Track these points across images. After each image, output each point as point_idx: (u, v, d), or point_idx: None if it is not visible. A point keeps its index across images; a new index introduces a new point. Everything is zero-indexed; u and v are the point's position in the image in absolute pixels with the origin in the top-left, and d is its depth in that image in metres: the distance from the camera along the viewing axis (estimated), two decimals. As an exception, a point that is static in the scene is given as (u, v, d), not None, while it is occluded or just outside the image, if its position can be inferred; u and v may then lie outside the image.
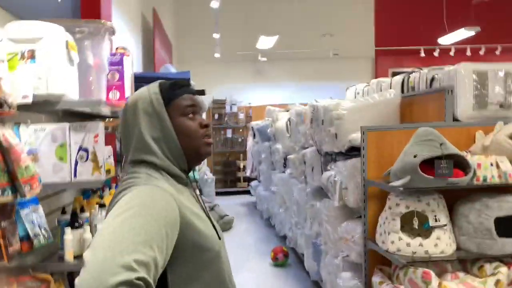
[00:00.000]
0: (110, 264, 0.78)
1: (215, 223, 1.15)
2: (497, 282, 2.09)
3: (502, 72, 2.62)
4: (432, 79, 2.91)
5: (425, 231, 2.23)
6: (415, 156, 2.10)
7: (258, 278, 4.44)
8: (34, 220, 1.64)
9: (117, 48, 2.53)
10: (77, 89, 1.86)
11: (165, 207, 0.95)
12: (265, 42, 8.62)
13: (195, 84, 3.64)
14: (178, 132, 1.11)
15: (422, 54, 9.35)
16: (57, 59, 1.61)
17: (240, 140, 10.04)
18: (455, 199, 2.39)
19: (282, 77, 10.18)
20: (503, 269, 2.13)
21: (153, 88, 1.15)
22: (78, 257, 1.82)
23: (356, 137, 2.78)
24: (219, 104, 9.92)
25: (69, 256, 1.76)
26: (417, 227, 2.23)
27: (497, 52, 8.90)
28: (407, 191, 2.20)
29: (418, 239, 2.20)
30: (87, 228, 1.80)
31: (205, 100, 4.55)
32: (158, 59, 5.80)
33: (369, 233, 2.57)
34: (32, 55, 1.55)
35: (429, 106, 2.84)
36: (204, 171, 6.14)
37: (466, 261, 2.31)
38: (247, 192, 8.84)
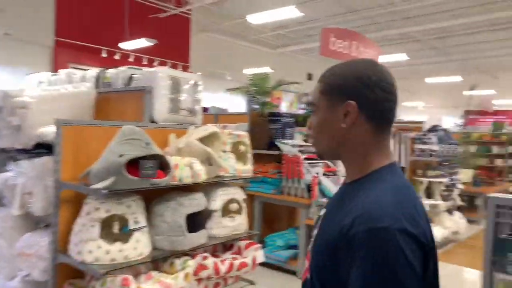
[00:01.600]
0: None
1: None
2: (186, 275, 2.25)
3: (192, 81, 2.89)
4: (131, 78, 2.88)
5: (124, 235, 2.14)
6: (120, 156, 1.98)
7: None
8: None
9: None
10: None
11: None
12: None
13: None
14: None
15: (104, 55, 9.39)
16: None
17: None
18: (151, 199, 2.43)
19: None
20: (190, 262, 2.32)
21: None
22: None
23: (47, 131, 2.39)
24: None
25: None
26: (117, 232, 2.11)
27: (168, 67, 10.07)
28: (108, 193, 2.04)
29: (118, 245, 2.08)
30: None
31: None
32: None
33: (59, 244, 2.24)
34: None
35: (127, 105, 2.79)
36: None
37: (158, 260, 2.38)
38: None
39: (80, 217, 2.14)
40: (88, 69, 3.47)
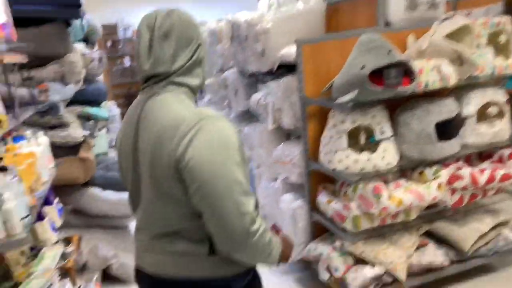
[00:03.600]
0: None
1: None
2: (439, 184, 2.15)
3: (430, -30, 2.50)
4: (360, -17, 2.70)
5: (371, 144, 2.17)
6: (362, 67, 1.94)
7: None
8: None
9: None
10: None
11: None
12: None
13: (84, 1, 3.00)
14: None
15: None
16: None
17: (140, 68, 9.21)
18: (394, 107, 2.34)
19: (177, -7, 9.26)
20: (443, 171, 2.19)
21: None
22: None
23: (287, 52, 2.54)
24: (109, 30, 8.79)
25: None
26: (364, 142, 2.16)
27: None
28: (352, 106, 2.07)
29: (366, 154, 2.14)
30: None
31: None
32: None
33: (310, 153, 2.46)
34: None
35: (358, 11, 2.67)
36: (109, 107, 5.49)
37: (406, 169, 2.34)
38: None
39: (327, 129, 2.27)
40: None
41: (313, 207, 2.51)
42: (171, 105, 1.10)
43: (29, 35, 2.49)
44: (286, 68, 2.75)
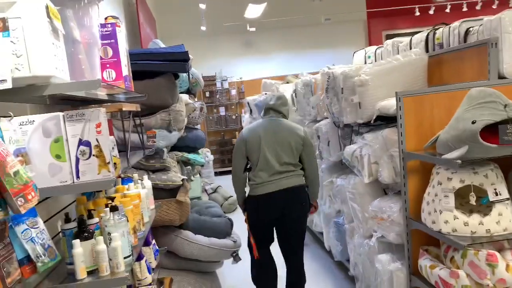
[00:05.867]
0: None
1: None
2: None
3: (551, 18, 2.30)
4: (467, 32, 2.58)
5: (484, 207, 1.96)
6: (473, 122, 1.80)
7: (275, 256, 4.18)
8: (34, 237, 1.31)
9: (106, 18, 2.13)
10: (67, 68, 1.48)
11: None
12: (253, 11, 8.16)
13: (192, 57, 3.27)
14: None
15: (417, 13, 8.94)
16: (40, 29, 1.23)
17: (234, 117, 9.67)
18: (508, 167, 2.11)
19: (272, 47, 9.74)
20: None
21: None
22: (92, 272, 1.50)
23: (386, 104, 2.47)
24: (209, 81, 9.47)
25: (81, 273, 1.44)
26: (474, 203, 1.95)
27: (494, 6, 8.56)
28: (461, 163, 1.90)
29: (477, 217, 1.92)
30: (100, 238, 1.47)
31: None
32: (144, 34, 5.35)
33: (410, 211, 2.30)
34: (4, 26, 1.17)
35: (466, 63, 2.52)
36: (204, 153, 5.80)
37: (526, 236, 2.05)
38: (248, 170, 8.54)
39: (431, 186, 2.10)
40: (404, 33, 3.37)
41: (414, 271, 2.30)
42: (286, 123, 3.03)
43: (143, 86, 2.76)
44: (383, 120, 2.67)
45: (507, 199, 1.92)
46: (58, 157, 1.36)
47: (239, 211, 6.52)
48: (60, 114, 1.39)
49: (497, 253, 1.84)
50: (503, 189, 1.93)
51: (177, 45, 3.45)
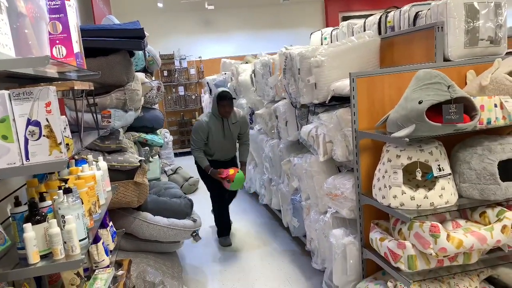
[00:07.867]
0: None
1: (227, 131, 3.93)
2: (504, 227, 2.01)
3: (492, 3, 2.44)
4: (416, 16, 2.68)
5: (428, 182, 2.08)
6: (420, 102, 1.89)
7: (236, 236, 4.26)
8: (-20, 221, 1.26)
9: (54, -8, 2.03)
10: (11, 44, 1.41)
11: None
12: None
13: (148, 35, 3.18)
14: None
15: (374, -4, 9.13)
16: (-20, 3, 1.17)
17: (193, 97, 9.55)
18: (451, 144, 2.25)
19: (232, 27, 9.63)
20: (508, 214, 2.05)
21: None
22: (46, 256, 1.48)
23: (340, 85, 2.54)
24: (167, 60, 9.26)
25: (33, 257, 1.41)
26: (420, 179, 2.07)
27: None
28: (408, 141, 2.01)
29: (422, 191, 2.05)
30: (53, 221, 1.44)
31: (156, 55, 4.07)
32: (97, 10, 5.12)
33: (362, 187, 2.40)
34: None
35: (415, 46, 2.63)
36: (163, 134, 5.71)
37: (465, 208, 2.21)
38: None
39: (381, 163, 2.21)
40: (359, 15, 3.45)
41: (365, 244, 2.42)
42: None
43: (96, 64, 2.67)
44: (338, 100, 2.74)
45: (449, 174, 2.05)
46: (4, 137, 1.30)
47: (199, 191, 6.59)
48: (6, 92, 1.33)
49: (439, 224, 1.98)
50: (445, 165, 2.06)
51: (132, 21, 3.35)
